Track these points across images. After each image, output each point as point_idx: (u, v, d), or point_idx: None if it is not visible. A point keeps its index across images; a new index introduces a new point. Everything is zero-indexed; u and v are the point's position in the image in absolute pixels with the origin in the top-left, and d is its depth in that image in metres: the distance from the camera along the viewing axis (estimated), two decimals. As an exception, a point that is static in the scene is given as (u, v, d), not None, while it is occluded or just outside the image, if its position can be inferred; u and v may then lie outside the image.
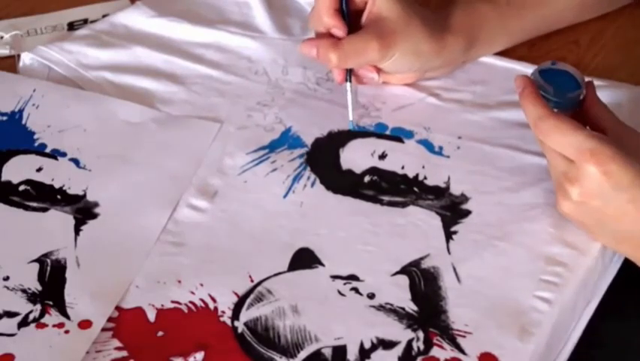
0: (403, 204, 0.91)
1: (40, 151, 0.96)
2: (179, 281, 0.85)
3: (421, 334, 0.81)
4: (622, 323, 0.97)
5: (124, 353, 0.81)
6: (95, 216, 0.90)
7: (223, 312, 0.83)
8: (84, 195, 0.92)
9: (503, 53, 1.04)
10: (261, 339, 0.81)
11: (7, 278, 0.85)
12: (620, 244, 0.86)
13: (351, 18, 0.96)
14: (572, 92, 0.87)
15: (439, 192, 0.92)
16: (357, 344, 0.81)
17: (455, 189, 0.92)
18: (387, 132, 0.97)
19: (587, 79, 0.88)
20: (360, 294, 0.84)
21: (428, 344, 0.81)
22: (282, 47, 1.05)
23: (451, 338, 0.81)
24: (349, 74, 0.97)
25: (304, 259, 0.87)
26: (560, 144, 0.83)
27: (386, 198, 0.91)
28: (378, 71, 0.97)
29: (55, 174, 0.94)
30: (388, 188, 0.92)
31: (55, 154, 0.96)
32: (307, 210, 0.91)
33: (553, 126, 0.83)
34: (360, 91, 1.01)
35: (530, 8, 1.02)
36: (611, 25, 1.08)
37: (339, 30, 0.95)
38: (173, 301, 0.84)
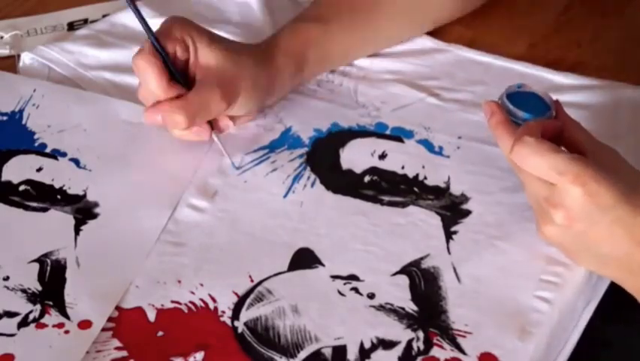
0: (403, 204, 0.91)
1: (41, 151, 0.96)
2: (179, 281, 0.85)
3: (421, 334, 0.81)
4: (622, 323, 0.97)
5: (124, 353, 0.81)
6: (95, 216, 0.90)
7: (223, 312, 0.83)
8: (84, 195, 0.92)
9: (503, 53, 1.04)
10: (261, 339, 0.81)
11: (7, 278, 0.85)
12: (604, 267, 0.84)
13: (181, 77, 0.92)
14: (541, 115, 0.85)
15: (439, 192, 0.92)
16: (357, 344, 0.81)
17: (455, 189, 0.92)
18: (387, 132, 0.97)
19: (554, 98, 0.87)
20: (360, 294, 0.84)
21: (428, 344, 0.81)
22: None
23: (451, 338, 0.81)
24: (211, 126, 0.94)
25: (304, 259, 0.87)
26: (539, 168, 0.80)
27: (386, 198, 0.91)
28: (231, 118, 0.95)
29: (56, 174, 0.94)
30: (388, 188, 0.92)
31: (55, 154, 0.96)
32: (307, 210, 0.91)
33: (531, 151, 0.80)
34: (361, 91, 1.01)
35: (359, 26, 1.01)
36: (611, 25, 1.08)
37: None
38: (173, 301, 0.84)
